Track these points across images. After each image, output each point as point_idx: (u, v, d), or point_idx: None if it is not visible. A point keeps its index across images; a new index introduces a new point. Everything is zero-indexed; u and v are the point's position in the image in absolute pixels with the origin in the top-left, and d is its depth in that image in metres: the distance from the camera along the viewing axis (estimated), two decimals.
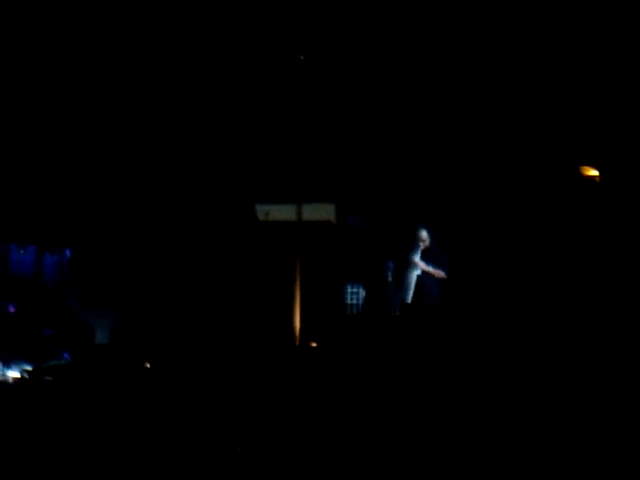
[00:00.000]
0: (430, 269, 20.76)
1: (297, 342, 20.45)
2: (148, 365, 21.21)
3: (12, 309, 24.05)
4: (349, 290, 22.92)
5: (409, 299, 20.86)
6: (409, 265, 20.87)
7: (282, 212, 23.60)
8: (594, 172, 22.39)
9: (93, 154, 23.66)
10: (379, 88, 23.16)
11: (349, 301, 23.06)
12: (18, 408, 19.65)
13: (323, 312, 22.24)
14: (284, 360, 19.71)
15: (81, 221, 23.47)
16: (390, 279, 20.82)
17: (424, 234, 20.98)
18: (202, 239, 23.83)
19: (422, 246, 20.94)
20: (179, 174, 23.74)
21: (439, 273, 20.76)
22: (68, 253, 24.30)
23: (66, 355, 23.17)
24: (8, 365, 22.29)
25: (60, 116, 23.27)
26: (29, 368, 22.93)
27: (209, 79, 23.09)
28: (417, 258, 20.85)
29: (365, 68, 22.91)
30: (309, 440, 14.21)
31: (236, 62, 22.88)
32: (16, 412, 19.26)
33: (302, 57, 19.85)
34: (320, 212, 23.60)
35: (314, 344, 21.42)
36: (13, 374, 22.34)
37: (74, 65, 22.56)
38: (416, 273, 20.84)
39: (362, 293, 22.86)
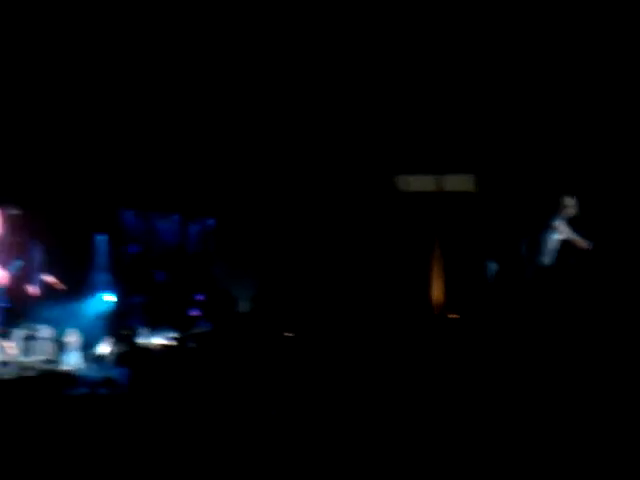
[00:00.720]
0: (573, 236, 19.88)
1: (436, 312, 20.25)
2: (288, 334, 21.49)
3: (161, 277, 24.82)
4: (486, 262, 22.45)
5: (546, 263, 20.09)
6: (550, 228, 20.07)
7: (422, 183, 23.40)
8: None
9: (241, 133, 23.93)
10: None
11: (487, 272, 22.57)
12: (164, 373, 20.40)
13: (462, 284, 21.93)
14: (423, 329, 19.55)
15: (225, 192, 23.83)
16: (525, 252, 20.21)
17: (570, 201, 20.11)
18: (343, 210, 23.84)
19: (567, 213, 20.10)
20: (319, 148, 23.77)
21: (582, 242, 19.85)
22: (212, 223, 24.82)
23: (207, 324, 23.76)
24: (154, 332, 23.04)
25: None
26: (175, 335, 23.74)
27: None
28: (560, 223, 20.01)
29: None
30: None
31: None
32: (163, 377, 20.02)
33: None
34: (460, 183, 23.23)
35: (454, 315, 21.16)
36: (159, 341, 23.11)
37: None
38: (557, 238, 20.01)
39: (495, 265, 22.29)
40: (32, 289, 23.99)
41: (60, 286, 23.37)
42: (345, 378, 16.66)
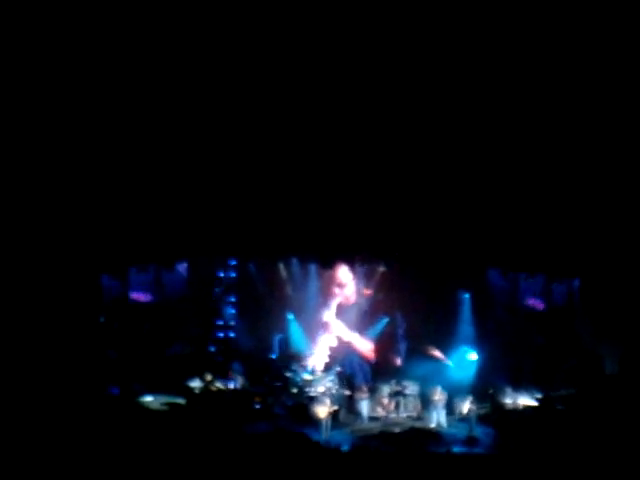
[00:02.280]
0: None
1: None
2: None
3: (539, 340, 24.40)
4: None
5: None
6: None
7: None
8: None
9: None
10: None
11: None
12: (529, 435, 19.92)
13: None
14: None
15: (590, 251, 23.01)
16: None
17: None
18: None
19: None
20: None
21: None
22: (577, 282, 24.04)
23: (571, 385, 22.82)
24: (518, 391, 22.58)
25: None
26: (539, 396, 23.07)
27: None
28: None
29: None
30: None
31: None
32: (528, 439, 19.56)
33: None
34: None
35: None
36: (524, 401, 22.59)
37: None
38: None
39: None
40: (397, 347, 25.21)
41: (444, 360, 24.06)
42: None
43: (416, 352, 24.15)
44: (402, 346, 24.78)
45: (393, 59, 20.86)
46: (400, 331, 24.81)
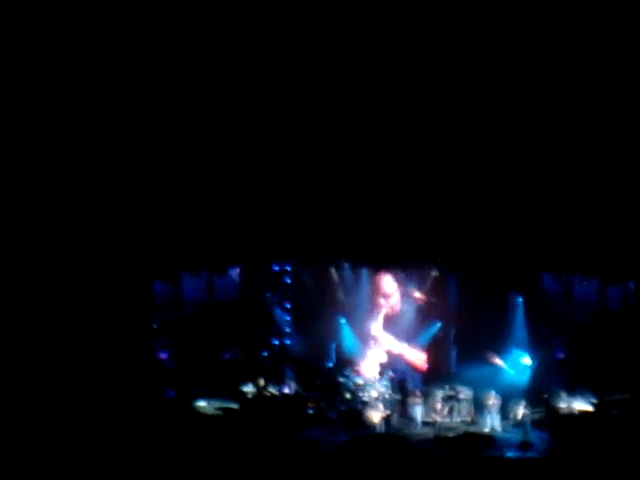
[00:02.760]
0: None
1: None
2: None
3: (590, 343, 24.14)
4: None
5: None
6: None
7: None
8: None
9: None
10: None
11: None
12: (585, 441, 19.72)
13: None
14: None
15: None
16: None
17: None
18: None
19: None
20: None
21: None
22: (631, 285, 23.71)
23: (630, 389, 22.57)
24: (574, 395, 22.38)
25: None
26: (595, 400, 22.87)
27: None
28: None
29: None
30: None
31: None
32: (583, 444, 19.37)
33: None
34: None
35: None
36: (579, 405, 22.40)
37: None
38: None
39: None
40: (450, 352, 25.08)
41: (500, 364, 23.95)
42: None
43: (469, 356, 24.02)
44: (454, 351, 24.75)
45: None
46: (452, 336, 24.87)
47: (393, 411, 21.94)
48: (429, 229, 23.20)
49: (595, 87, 20.69)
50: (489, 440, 20.82)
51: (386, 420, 21.18)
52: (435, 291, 25.05)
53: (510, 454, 19.39)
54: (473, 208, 22.72)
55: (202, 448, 18.40)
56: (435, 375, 24.20)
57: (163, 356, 23.91)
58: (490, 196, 22.57)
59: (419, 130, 21.79)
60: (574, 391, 22.70)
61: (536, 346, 24.08)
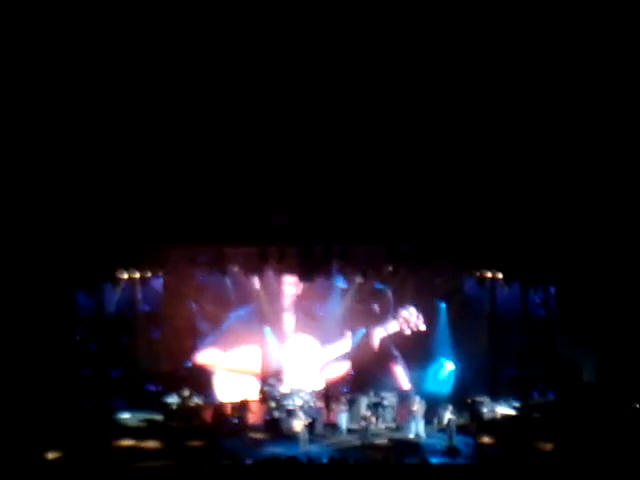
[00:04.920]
0: None
1: None
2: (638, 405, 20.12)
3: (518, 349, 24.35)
4: None
5: None
6: None
7: None
8: None
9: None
10: None
11: None
12: (508, 444, 19.89)
13: None
14: None
15: (565, 259, 22.98)
16: None
17: None
18: None
19: None
20: None
21: None
22: (552, 290, 23.98)
23: (550, 393, 22.86)
24: (496, 401, 22.56)
25: None
26: (516, 404, 23.09)
27: None
28: None
29: None
30: None
31: None
32: (506, 448, 19.52)
33: None
34: None
35: None
36: (502, 410, 22.58)
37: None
38: None
39: None
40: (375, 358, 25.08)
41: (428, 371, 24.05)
42: None
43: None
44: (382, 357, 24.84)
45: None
46: (377, 341, 24.95)
47: (317, 419, 21.86)
48: (353, 237, 23.31)
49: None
50: (413, 446, 20.82)
51: (310, 428, 21.06)
52: (360, 298, 25.19)
53: (434, 460, 19.38)
54: (396, 212, 22.87)
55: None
56: (360, 382, 24.23)
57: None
58: (412, 200, 22.73)
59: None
60: (497, 396, 22.99)
61: (459, 351, 24.27)
